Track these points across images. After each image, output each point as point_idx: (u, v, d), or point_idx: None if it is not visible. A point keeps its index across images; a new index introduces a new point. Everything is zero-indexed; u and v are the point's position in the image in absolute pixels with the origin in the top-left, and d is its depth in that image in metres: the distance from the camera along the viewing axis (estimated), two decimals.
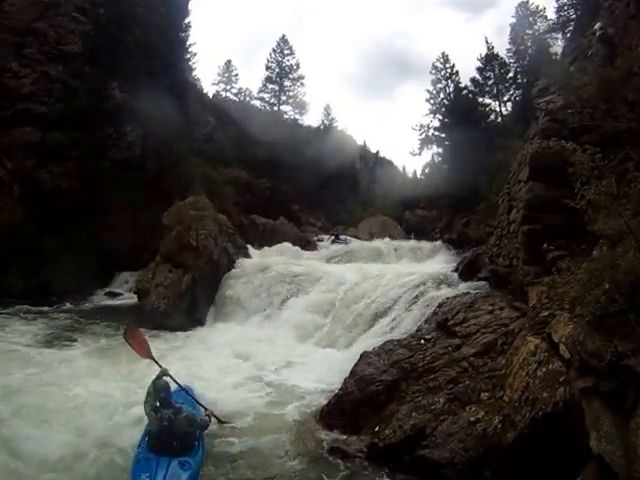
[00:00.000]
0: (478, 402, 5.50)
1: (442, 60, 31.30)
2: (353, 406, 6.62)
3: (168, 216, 16.78)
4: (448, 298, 8.61)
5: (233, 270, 15.93)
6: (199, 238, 15.29)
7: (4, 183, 19.46)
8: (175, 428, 5.39)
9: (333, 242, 26.94)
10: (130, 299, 17.53)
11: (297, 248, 21.88)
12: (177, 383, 6.26)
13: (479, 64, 30.65)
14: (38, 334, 11.78)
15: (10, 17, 21.29)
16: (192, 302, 14.20)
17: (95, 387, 7.68)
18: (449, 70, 30.97)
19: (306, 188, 33.96)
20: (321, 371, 8.90)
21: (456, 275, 10.37)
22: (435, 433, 5.31)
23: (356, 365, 7.27)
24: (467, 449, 4.90)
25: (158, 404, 5.56)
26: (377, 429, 5.93)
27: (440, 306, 8.42)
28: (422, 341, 7.44)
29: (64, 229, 19.31)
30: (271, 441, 6.27)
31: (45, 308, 15.61)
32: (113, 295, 19.73)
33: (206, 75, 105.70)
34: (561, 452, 3.89)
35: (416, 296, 9.96)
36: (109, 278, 20.87)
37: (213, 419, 6.25)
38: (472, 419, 5.20)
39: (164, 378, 5.88)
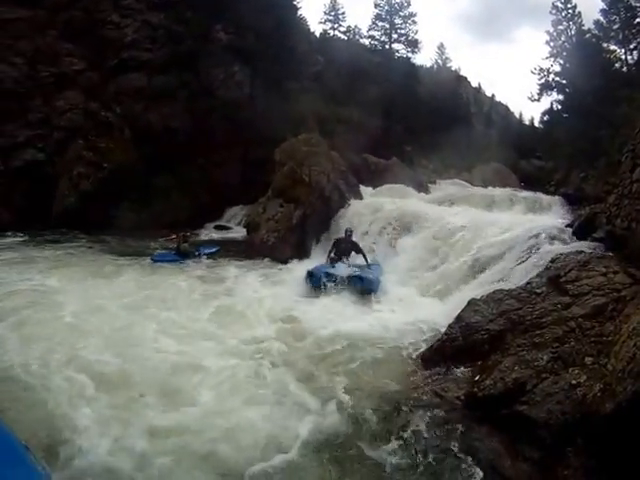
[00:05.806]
0: (581, 366, 5.46)
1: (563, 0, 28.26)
2: (455, 352, 6.80)
3: (280, 152, 17.31)
4: (562, 254, 8.29)
5: (344, 207, 16.12)
6: (312, 174, 15.63)
7: (115, 127, 21.41)
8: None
9: None
10: (238, 233, 18.69)
11: (410, 189, 21.73)
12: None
13: (603, 5, 27.72)
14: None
15: None
16: (301, 237, 14.91)
17: None
18: (570, 11, 28.22)
19: (419, 129, 32.98)
20: (423, 316, 9.14)
21: (570, 232, 9.82)
22: (535, 390, 5.35)
23: (463, 311, 7.35)
24: (564, 412, 4.95)
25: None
26: (477, 378, 6.08)
27: (553, 261, 8.15)
28: (532, 295, 7.29)
29: (175, 166, 20.82)
30: (367, 377, 6.68)
31: (153, 239, 17.17)
32: (222, 228, 21.29)
33: (312, 15, 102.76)
34: None
35: (528, 248, 9.64)
36: (219, 212, 22.44)
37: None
38: (573, 382, 5.21)
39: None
